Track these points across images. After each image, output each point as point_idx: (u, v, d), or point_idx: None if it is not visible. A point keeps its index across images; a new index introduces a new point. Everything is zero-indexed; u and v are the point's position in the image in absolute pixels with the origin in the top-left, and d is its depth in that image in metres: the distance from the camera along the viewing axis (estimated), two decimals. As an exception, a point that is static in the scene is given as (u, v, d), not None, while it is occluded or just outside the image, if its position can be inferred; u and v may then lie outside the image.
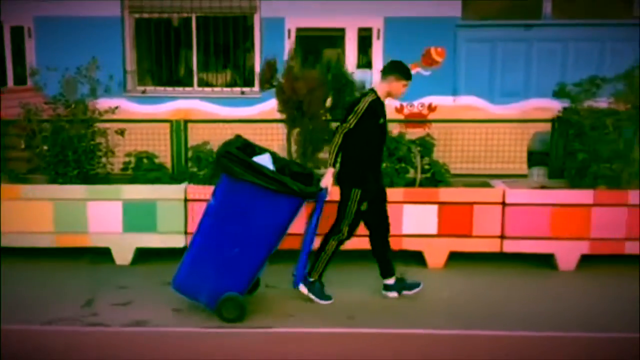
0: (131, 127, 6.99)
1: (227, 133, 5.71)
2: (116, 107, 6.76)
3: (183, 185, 6.30)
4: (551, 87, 7.02)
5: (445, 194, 6.20)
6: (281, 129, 7.03)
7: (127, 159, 6.71)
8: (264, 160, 5.02)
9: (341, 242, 5.34)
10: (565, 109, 6.85)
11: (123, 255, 6.29)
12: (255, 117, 9.43)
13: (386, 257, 5.45)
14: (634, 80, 6.22)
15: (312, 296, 5.35)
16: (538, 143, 7.46)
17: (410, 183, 6.40)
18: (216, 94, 10.86)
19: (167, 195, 6.24)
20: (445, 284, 5.84)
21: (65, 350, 4.50)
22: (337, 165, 5.24)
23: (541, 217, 6.12)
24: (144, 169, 6.56)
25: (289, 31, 10.46)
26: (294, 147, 6.77)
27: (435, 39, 10.13)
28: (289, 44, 10.18)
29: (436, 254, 6.25)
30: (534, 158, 6.97)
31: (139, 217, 6.23)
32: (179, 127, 6.96)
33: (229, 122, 7.95)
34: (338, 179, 5.29)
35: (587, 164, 6.32)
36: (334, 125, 5.98)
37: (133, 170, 6.63)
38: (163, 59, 11.11)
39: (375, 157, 5.35)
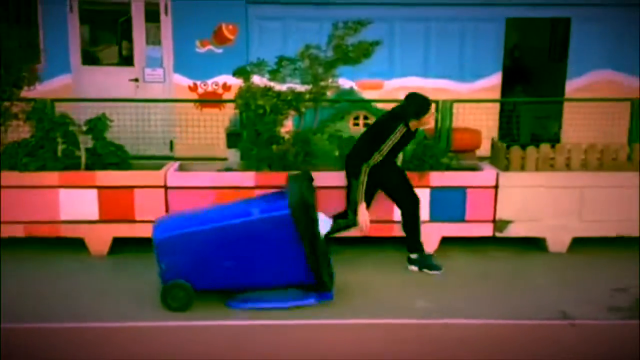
0: None
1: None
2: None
3: (161, 172, 5.96)
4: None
5: (104, 177, 5.86)
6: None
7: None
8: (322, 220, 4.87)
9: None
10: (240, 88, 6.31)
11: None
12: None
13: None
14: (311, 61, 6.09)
15: (426, 271, 5.54)
16: (234, 124, 7.20)
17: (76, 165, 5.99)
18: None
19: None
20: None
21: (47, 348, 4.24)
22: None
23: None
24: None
25: (71, 5, 9.44)
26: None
27: (226, 16, 9.35)
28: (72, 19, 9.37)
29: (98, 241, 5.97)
30: (231, 140, 6.69)
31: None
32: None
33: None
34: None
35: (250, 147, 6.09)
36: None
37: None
38: None
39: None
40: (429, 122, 5.51)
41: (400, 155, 5.82)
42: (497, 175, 6.00)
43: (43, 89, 9.33)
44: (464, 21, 9.62)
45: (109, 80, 9.63)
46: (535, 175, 6.04)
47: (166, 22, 9.78)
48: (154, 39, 9.75)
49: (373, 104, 7.07)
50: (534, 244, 6.21)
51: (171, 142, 8.97)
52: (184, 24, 9.33)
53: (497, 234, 6.07)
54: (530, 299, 5.11)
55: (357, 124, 6.55)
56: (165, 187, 5.88)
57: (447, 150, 6.48)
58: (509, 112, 9.72)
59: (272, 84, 6.10)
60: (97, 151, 5.92)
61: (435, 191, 5.90)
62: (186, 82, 9.25)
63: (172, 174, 5.93)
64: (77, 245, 5.96)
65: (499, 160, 6.17)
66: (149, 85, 9.53)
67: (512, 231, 6.06)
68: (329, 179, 5.81)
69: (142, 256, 5.57)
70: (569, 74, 10.05)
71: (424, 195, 5.86)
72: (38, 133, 5.82)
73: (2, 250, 5.80)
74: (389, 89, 10.05)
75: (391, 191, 5.60)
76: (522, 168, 6.06)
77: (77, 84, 9.51)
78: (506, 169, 6.05)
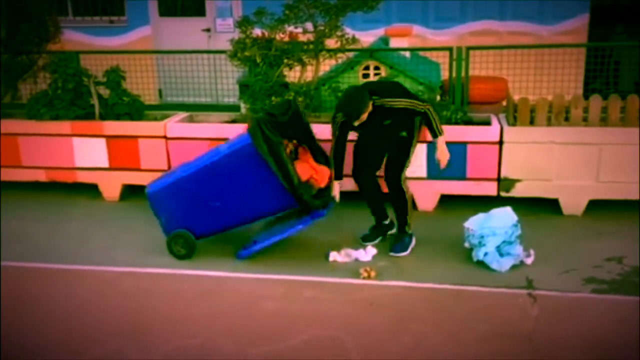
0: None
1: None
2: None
3: (162, 122, 6.14)
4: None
5: (111, 127, 6.12)
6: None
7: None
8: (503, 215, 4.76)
9: None
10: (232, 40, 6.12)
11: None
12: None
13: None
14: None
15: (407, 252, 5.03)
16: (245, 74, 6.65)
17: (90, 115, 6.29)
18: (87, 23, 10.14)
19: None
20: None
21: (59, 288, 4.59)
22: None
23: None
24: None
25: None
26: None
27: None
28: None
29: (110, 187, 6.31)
30: (242, 90, 6.33)
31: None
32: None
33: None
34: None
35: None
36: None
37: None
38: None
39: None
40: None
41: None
42: (502, 129, 5.51)
43: (123, 41, 10.04)
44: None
45: (184, 30, 10.00)
46: (545, 130, 5.48)
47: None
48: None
49: (400, 52, 6.70)
50: (551, 206, 5.67)
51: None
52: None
53: (503, 194, 5.62)
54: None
55: (367, 75, 6.26)
56: (166, 138, 6.07)
57: (462, 104, 6.04)
58: (602, 59, 8.70)
59: (277, 33, 5.99)
60: (108, 102, 6.24)
61: (432, 146, 5.56)
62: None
63: (171, 126, 6.09)
64: (95, 190, 6.39)
65: (509, 113, 5.66)
66: (220, 35, 9.73)
67: (519, 191, 5.58)
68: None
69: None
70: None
71: (420, 151, 5.57)
72: (53, 85, 6.23)
73: (26, 194, 6.38)
74: (462, 33, 9.56)
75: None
76: (532, 122, 5.52)
77: (155, 35, 9.96)
78: (514, 123, 5.55)
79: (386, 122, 4.77)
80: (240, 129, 5.83)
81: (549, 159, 5.45)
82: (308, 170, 4.86)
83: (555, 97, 5.52)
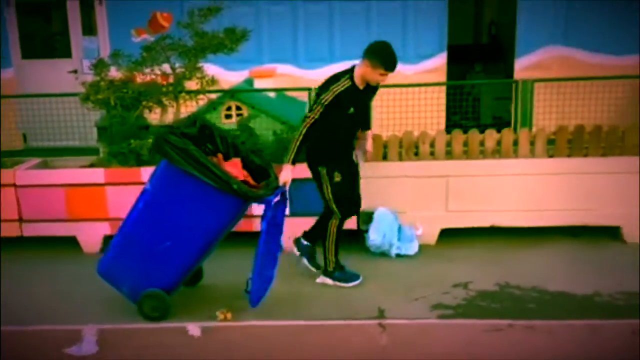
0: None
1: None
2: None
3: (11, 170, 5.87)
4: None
5: None
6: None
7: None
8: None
9: (342, 221, 4.91)
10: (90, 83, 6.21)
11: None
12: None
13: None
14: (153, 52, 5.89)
15: (339, 284, 5.00)
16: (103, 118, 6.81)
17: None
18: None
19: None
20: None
21: None
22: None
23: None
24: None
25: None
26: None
27: (162, 4, 8.39)
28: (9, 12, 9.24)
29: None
30: (101, 133, 6.41)
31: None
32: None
33: None
34: (307, 161, 4.88)
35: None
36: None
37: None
38: None
39: (343, 142, 4.85)
40: (375, 80, 4.64)
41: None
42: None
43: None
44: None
45: (49, 72, 9.72)
46: (396, 165, 5.75)
47: (101, 12, 9.81)
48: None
49: (264, 93, 6.84)
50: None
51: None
52: (120, 13, 9.23)
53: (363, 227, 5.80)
54: (355, 295, 4.91)
55: (229, 115, 6.34)
56: (15, 186, 5.79)
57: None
58: (461, 96, 9.23)
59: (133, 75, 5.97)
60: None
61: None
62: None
63: (21, 173, 5.83)
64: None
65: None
66: (88, 76, 9.53)
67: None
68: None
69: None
70: (517, 52, 9.64)
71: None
72: None
73: None
74: (332, 72, 9.87)
75: (321, 189, 4.88)
76: (385, 158, 5.78)
77: (19, 78, 9.61)
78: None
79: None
80: (96, 174, 5.73)
81: (403, 192, 5.70)
82: (240, 172, 4.52)
83: (405, 133, 5.81)
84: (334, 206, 4.84)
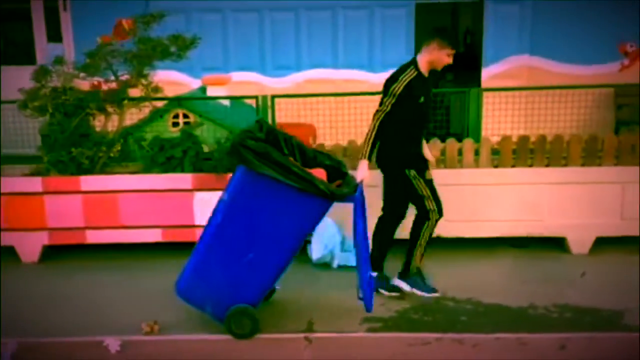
0: None
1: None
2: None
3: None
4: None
5: None
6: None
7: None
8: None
9: (436, 222, 4.76)
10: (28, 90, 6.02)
11: None
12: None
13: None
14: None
15: (416, 291, 4.86)
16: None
17: None
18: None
19: None
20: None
21: None
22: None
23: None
24: None
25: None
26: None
27: (126, 10, 8.36)
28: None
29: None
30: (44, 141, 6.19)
31: None
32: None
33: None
34: (380, 163, 4.76)
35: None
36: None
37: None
38: None
39: (417, 136, 4.76)
40: (443, 62, 4.62)
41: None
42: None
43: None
44: (372, 7, 9.32)
45: (12, 79, 9.62)
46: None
47: (66, 18, 9.76)
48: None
49: (217, 101, 6.75)
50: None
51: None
52: (84, 20, 9.19)
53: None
54: (289, 307, 4.78)
55: (176, 123, 6.26)
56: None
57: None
58: (434, 104, 9.17)
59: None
60: None
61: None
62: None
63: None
64: None
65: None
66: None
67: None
68: (132, 181, 5.58)
69: None
70: (485, 61, 9.62)
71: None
72: None
73: None
74: (299, 81, 9.84)
75: (413, 191, 4.71)
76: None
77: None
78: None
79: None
80: (32, 182, 5.62)
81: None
82: (319, 173, 4.35)
83: (349, 142, 5.72)
84: (432, 204, 4.70)
